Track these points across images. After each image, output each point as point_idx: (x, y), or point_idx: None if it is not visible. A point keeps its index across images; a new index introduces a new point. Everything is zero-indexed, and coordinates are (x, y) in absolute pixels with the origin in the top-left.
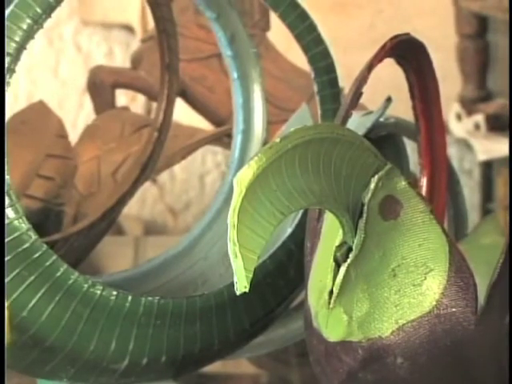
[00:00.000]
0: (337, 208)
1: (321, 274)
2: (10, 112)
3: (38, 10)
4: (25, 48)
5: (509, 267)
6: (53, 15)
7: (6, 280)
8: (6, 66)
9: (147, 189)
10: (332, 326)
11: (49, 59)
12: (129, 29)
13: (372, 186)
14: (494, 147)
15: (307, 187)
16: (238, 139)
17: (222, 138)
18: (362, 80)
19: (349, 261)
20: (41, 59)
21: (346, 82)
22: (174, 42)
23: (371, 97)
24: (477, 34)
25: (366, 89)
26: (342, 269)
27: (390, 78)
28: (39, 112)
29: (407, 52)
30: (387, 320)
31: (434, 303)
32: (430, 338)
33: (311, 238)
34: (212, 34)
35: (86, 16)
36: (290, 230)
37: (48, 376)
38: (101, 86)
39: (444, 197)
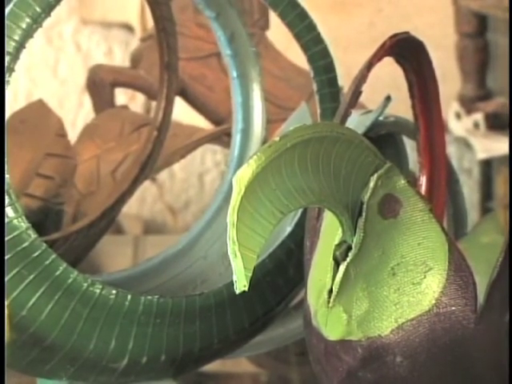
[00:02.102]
0: (336, 207)
1: (320, 273)
2: (9, 111)
3: (38, 9)
4: (24, 47)
5: (508, 266)
6: (52, 14)
7: (5, 279)
8: (6, 64)
9: (147, 188)
10: (331, 324)
11: (48, 58)
12: (128, 28)
13: (371, 184)
14: (493, 146)
15: (307, 186)
16: (237, 138)
17: (222, 137)
18: (361, 79)
19: (348, 259)
20: (40, 58)
21: (345, 81)
22: (173, 41)
23: (370, 96)
24: (476, 32)
25: (365, 88)
26: (342, 267)
27: (390, 76)
28: (38, 111)
29: (406, 51)
30: (387, 319)
31: (434, 302)
32: (430, 336)
33: (311, 236)
34: (211, 32)
35: (86, 15)
36: (289, 229)
37: (47, 375)
38: (100, 85)
39: (443, 195)
